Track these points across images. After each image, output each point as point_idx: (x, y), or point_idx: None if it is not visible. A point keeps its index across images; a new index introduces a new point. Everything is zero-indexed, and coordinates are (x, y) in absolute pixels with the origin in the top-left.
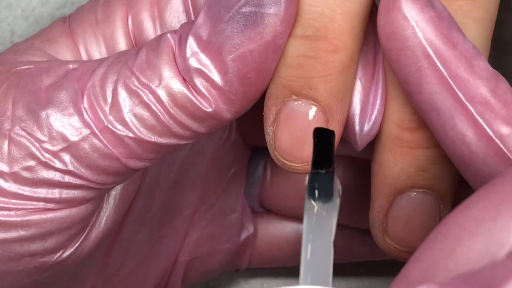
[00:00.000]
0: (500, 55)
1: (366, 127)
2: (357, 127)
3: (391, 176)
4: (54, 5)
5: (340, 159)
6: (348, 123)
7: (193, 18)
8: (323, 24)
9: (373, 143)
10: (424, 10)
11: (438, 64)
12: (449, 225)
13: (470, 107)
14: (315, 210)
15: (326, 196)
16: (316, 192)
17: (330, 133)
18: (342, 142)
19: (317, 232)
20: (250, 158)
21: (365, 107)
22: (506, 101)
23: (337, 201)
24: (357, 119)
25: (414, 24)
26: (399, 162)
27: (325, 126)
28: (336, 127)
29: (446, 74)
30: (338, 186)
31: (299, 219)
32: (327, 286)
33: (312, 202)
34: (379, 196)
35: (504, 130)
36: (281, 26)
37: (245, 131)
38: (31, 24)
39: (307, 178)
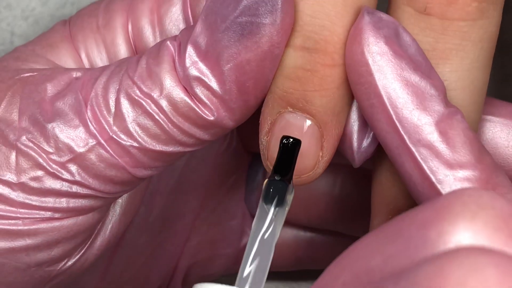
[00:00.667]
0: (500, 55)
1: (364, 144)
2: (354, 144)
3: (390, 195)
4: (54, 5)
5: (340, 168)
6: (345, 139)
7: None
8: (323, 37)
9: (374, 160)
10: (383, 47)
11: (387, 104)
12: (343, 254)
13: (414, 151)
14: (265, 213)
15: (278, 202)
16: (269, 197)
17: (296, 142)
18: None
19: (263, 233)
20: (250, 165)
21: (363, 124)
22: (455, 145)
23: (286, 208)
24: (355, 136)
25: (370, 61)
26: (398, 182)
27: (319, 141)
28: (330, 142)
29: (393, 116)
30: (290, 195)
31: (298, 225)
32: (260, 285)
33: (264, 205)
34: (378, 214)
35: (446, 174)
36: (277, 35)
37: (246, 138)
38: (31, 24)
39: (264, 182)
